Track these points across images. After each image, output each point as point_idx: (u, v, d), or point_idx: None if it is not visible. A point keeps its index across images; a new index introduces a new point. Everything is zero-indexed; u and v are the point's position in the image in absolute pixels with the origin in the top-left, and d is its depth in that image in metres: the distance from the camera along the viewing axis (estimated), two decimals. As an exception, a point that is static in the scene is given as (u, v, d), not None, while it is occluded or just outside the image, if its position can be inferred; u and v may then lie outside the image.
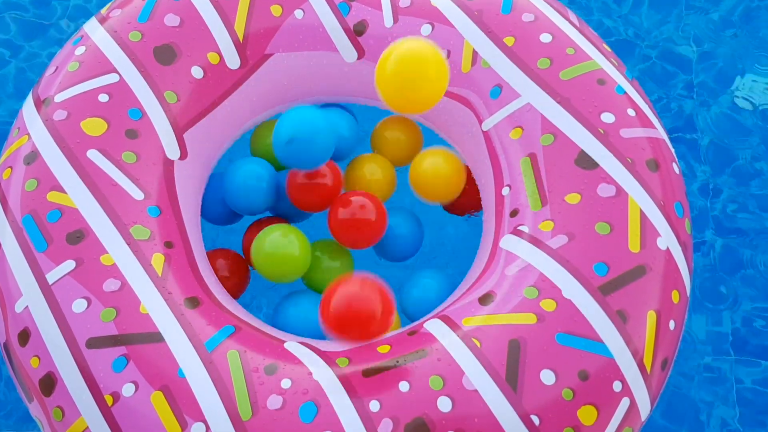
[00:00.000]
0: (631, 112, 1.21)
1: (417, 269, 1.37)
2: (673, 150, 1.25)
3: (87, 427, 1.02)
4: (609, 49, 1.32)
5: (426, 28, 1.31)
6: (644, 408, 1.08)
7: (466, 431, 0.98)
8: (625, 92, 1.23)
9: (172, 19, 1.27)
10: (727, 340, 1.57)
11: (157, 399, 1.00)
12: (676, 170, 1.22)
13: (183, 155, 1.24)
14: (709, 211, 1.66)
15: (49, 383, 1.04)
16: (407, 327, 1.16)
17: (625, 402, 1.04)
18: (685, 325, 1.16)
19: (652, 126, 1.22)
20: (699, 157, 1.72)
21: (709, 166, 1.70)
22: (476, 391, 1.01)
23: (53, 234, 1.09)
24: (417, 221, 1.40)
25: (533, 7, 1.30)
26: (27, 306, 1.07)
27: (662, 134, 1.24)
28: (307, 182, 1.30)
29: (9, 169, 1.17)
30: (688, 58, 1.82)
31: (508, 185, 1.23)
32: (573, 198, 1.14)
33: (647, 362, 1.06)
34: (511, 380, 1.01)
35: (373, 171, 1.39)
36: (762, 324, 1.57)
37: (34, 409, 1.08)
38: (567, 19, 1.31)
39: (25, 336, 1.06)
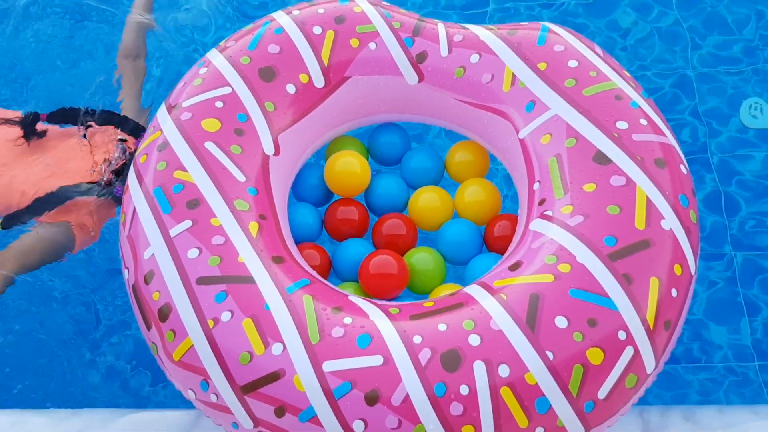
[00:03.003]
0: (643, 121, 1.45)
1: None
2: (682, 155, 1.47)
3: (192, 345, 1.30)
4: (628, 75, 1.57)
5: (474, 57, 1.61)
6: (648, 360, 1.26)
7: (491, 360, 1.20)
8: (639, 106, 1.48)
9: (273, 48, 1.62)
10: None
11: (248, 324, 1.28)
12: (684, 170, 1.44)
13: (277, 152, 1.56)
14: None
15: (166, 311, 1.33)
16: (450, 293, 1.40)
17: (629, 350, 1.24)
18: (690, 300, 1.35)
19: (663, 134, 1.45)
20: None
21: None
22: (501, 331, 1.23)
23: (176, 201, 1.41)
24: None
25: (564, 41, 1.58)
26: (153, 254, 1.38)
27: (672, 141, 1.46)
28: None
29: (145, 155, 1.51)
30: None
31: (538, 181, 1.48)
32: (590, 187, 1.38)
33: (650, 319, 1.26)
34: (530, 323, 1.23)
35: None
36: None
37: (151, 335, 1.37)
38: (592, 50, 1.58)
39: (150, 276, 1.37)
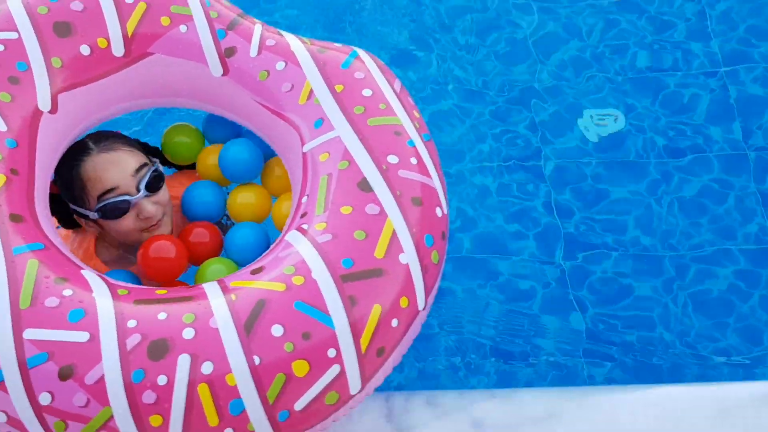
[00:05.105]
0: (413, 160, 1.53)
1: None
2: (443, 199, 1.57)
3: None
4: (418, 116, 1.66)
5: (281, 65, 1.64)
6: (354, 382, 1.32)
7: (198, 355, 1.22)
8: (415, 146, 1.56)
9: (77, 5, 1.57)
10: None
11: (-44, 276, 1.22)
12: (439, 213, 1.53)
13: (53, 110, 1.51)
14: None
15: None
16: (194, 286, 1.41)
17: (335, 368, 1.29)
18: (412, 329, 1.44)
19: (428, 176, 1.54)
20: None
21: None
22: (217, 329, 1.25)
23: None
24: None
25: (366, 69, 1.65)
26: None
27: (436, 185, 1.56)
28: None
29: None
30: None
31: (307, 195, 1.52)
32: (346, 209, 1.44)
33: (363, 343, 1.32)
34: (247, 326, 1.26)
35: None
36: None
37: None
38: (391, 84, 1.66)
39: None
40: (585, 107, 2.51)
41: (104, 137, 1.68)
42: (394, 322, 1.38)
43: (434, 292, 1.51)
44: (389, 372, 1.46)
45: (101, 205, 1.59)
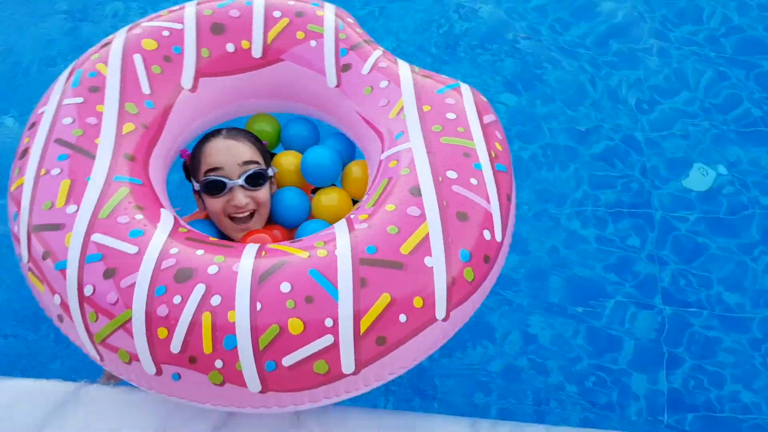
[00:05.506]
0: (473, 181, 1.57)
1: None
2: (495, 224, 1.56)
3: (23, 184, 1.56)
4: (500, 148, 1.70)
5: (384, 83, 1.81)
6: (346, 359, 1.36)
7: (211, 288, 1.36)
8: (481, 169, 1.60)
9: (234, 12, 1.90)
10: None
11: (65, 183, 1.52)
12: (487, 236, 1.54)
13: (193, 89, 1.82)
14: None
15: (23, 154, 1.61)
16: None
17: (328, 338, 1.35)
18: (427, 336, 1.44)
19: (487, 199, 1.57)
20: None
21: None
22: (236, 273, 1.39)
23: (84, 82, 1.71)
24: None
25: (459, 97, 1.75)
26: (43, 111, 1.68)
27: (494, 210, 1.57)
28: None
29: (98, 55, 1.83)
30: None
31: (367, 194, 1.63)
32: (390, 207, 1.52)
33: (363, 324, 1.37)
34: (262, 277, 1.38)
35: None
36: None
37: (11, 170, 1.65)
38: (480, 115, 1.73)
39: (31, 126, 1.67)
40: (692, 159, 2.38)
41: (236, 130, 1.95)
42: (402, 317, 1.40)
43: (464, 309, 1.50)
44: (397, 373, 1.47)
45: (204, 179, 1.84)
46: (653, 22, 2.83)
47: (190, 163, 1.92)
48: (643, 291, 2.23)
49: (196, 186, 1.86)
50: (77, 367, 1.84)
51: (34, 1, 3.12)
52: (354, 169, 1.92)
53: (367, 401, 1.64)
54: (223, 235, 1.88)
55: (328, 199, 1.89)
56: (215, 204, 1.83)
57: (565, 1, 2.97)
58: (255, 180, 1.84)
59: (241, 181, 1.82)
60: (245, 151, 1.86)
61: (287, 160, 1.98)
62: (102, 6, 3.09)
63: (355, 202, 1.92)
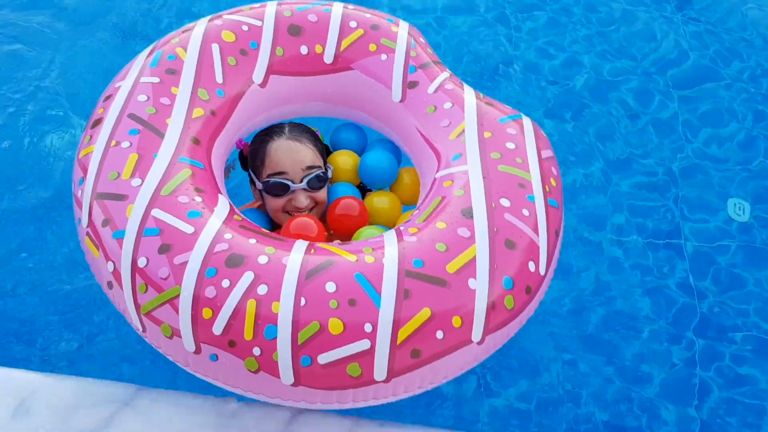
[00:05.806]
0: (525, 212, 1.60)
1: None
2: (541, 257, 1.58)
3: (92, 151, 1.62)
4: (554, 183, 1.72)
5: (448, 104, 1.85)
6: (380, 365, 1.38)
7: (260, 277, 1.40)
8: (534, 201, 1.62)
9: (313, 18, 1.96)
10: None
11: (133, 157, 1.58)
12: (531, 267, 1.55)
13: (263, 84, 1.88)
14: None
15: (96, 122, 1.68)
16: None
17: (365, 342, 1.37)
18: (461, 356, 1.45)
19: (536, 232, 1.59)
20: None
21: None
22: (285, 265, 1.43)
23: (162, 63, 1.77)
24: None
25: (520, 129, 1.78)
26: (120, 86, 1.74)
27: (541, 244, 1.59)
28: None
29: (177, 39, 1.90)
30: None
31: (419, 209, 1.66)
32: (441, 224, 1.55)
33: (401, 335, 1.39)
34: (309, 273, 1.42)
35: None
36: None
37: (80, 139, 1.72)
38: (538, 149, 1.75)
39: (107, 99, 1.73)
40: (729, 194, 2.40)
41: (299, 128, 2.00)
42: (439, 334, 1.42)
43: (499, 335, 1.51)
44: (425, 387, 1.49)
45: (267, 180, 1.89)
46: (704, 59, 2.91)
47: (251, 157, 1.97)
48: (677, 321, 2.26)
49: (259, 185, 1.91)
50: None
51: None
52: (405, 176, 1.96)
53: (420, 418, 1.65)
54: (272, 222, 1.94)
55: (380, 201, 1.92)
56: (276, 202, 1.89)
57: (612, 36, 3.06)
58: (317, 183, 1.89)
59: (303, 185, 1.87)
60: (307, 154, 1.90)
61: (343, 159, 2.03)
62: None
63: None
